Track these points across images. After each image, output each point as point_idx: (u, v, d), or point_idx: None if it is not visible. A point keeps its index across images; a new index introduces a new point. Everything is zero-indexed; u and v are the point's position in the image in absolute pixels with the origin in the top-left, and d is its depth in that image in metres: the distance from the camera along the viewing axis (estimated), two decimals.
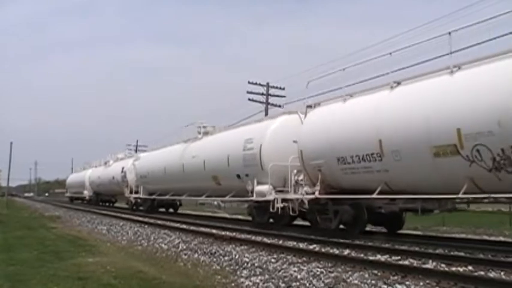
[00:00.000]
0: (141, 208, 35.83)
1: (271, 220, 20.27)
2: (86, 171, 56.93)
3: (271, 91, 44.37)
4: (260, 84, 45.20)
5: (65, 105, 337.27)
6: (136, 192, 35.74)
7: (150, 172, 33.46)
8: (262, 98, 44.18)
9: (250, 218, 22.48)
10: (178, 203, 36.94)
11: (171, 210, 37.19)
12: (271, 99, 43.74)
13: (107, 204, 52.52)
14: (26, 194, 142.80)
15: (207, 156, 24.76)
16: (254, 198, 19.98)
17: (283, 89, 44.42)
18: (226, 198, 23.66)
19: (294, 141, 17.69)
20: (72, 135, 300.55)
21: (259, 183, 19.84)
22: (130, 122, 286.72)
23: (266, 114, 39.07)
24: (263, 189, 19.36)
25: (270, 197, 18.75)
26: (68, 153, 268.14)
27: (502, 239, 16.93)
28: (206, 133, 27.06)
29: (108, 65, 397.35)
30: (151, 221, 25.39)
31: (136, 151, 69.62)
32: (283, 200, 18.34)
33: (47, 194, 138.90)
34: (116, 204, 50.93)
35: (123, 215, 31.11)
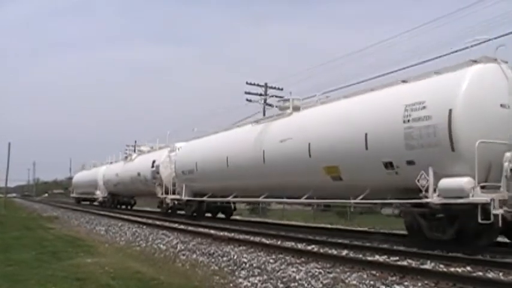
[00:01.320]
0: (180, 212, 29.05)
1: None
2: (99, 169, 50.68)
3: (270, 91, 44.38)
4: (258, 85, 45.27)
5: (64, 105, 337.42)
6: (174, 193, 28.85)
7: (199, 166, 25.28)
8: (261, 99, 44.18)
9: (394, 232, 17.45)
10: (233, 206, 28.54)
11: (221, 215, 29.02)
12: (269, 100, 43.71)
13: (124, 207, 45.65)
14: (26, 193, 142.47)
15: (313, 136, 16.82)
16: (435, 200, 12.21)
17: (282, 89, 44.44)
18: (358, 200, 14.95)
19: (502, 106, 12.54)
20: (70, 136, 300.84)
21: (444, 174, 12.16)
22: (129, 122, 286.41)
23: (264, 114, 39.01)
24: (460, 184, 11.65)
25: (478, 198, 11.43)
26: (66, 153, 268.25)
27: (499, 239, 16.88)
28: (297, 108, 19.38)
29: (108, 65, 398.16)
30: (150, 221, 25.35)
31: (134, 151, 67.53)
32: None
33: (46, 195, 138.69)
34: (137, 207, 45.64)
35: (122, 216, 31.02)
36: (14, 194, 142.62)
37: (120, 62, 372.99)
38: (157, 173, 31.29)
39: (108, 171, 45.77)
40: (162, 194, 30.73)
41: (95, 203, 49.95)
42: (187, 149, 28.57)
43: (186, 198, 27.07)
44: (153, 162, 32.77)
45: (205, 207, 27.07)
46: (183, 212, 28.53)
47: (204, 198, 25.53)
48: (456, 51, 13.04)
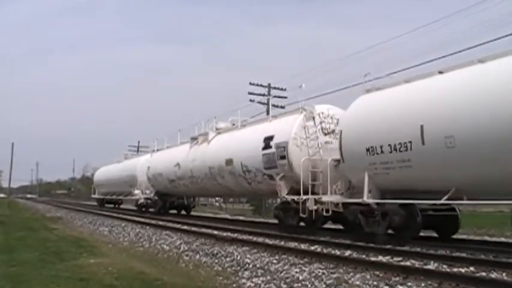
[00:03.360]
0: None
1: None
2: (138, 159, 39.47)
3: (273, 92, 44.42)
4: (261, 85, 45.33)
5: (66, 105, 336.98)
6: (313, 192, 18.07)
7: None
8: (264, 99, 44.25)
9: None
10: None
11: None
12: (272, 100, 43.74)
13: (181, 211, 34.70)
14: (29, 196, 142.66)
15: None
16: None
17: (285, 89, 44.49)
18: None
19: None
20: (73, 136, 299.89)
21: None
22: (131, 122, 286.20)
23: (268, 114, 39.10)
24: None
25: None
26: (69, 154, 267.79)
27: (503, 239, 16.92)
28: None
29: (109, 65, 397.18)
30: (153, 222, 25.40)
31: (138, 151, 67.32)
32: None
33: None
34: (195, 212, 36.62)
35: (126, 216, 31.05)
36: (19, 195, 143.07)
37: (121, 62, 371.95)
38: (283, 157, 18.28)
39: (156, 161, 32.84)
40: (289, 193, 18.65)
41: (133, 207, 40.00)
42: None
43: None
44: (269, 139, 19.28)
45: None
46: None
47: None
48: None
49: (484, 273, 9.48)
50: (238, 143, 22.22)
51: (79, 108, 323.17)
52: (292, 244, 14.79)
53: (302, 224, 18.29)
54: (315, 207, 16.75)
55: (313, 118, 18.24)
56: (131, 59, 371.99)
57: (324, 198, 16.56)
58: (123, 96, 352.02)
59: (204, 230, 20.02)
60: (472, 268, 9.94)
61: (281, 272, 10.74)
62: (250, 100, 44.77)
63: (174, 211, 34.29)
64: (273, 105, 42.83)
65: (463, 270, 9.82)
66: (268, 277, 10.46)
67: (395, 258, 11.51)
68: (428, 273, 9.40)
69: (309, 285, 9.50)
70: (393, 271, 9.83)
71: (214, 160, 23.51)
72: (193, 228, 20.79)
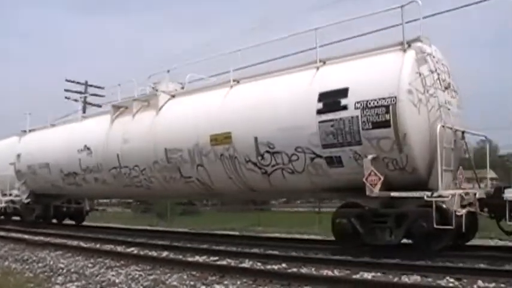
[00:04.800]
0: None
1: None
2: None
3: (90, 90, 43.08)
4: (78, 83, 43.81)
5: None
6: None
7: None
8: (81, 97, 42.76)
9: None
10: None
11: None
12: (90, 99, 42.30)
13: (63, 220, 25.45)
14: None
15: None
16: None
17: (103, 88, 43.29)
18: None
19: None
20: None
21: None
22: None
23: (84, 112, 37.80)
24: None
25: None
26: None
27: (312, 237, 17.92)
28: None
29: None
30: None
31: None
32: None
33: None
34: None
35: None
36: None
37: None
38: (383, 124, 11.05)
39: (35, 146, 22.18)
40: None
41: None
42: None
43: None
44: (335, 94, 11.79)
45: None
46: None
47: None
48: None
49: (295, 269, 9.96)
50: (246, 108, 13.60)
51: None
52: (108, 247, 14.46)
53: (406, 241, 11.43)
54: (463, 211, 10.42)
55: (426, 62, 11.51)
56: None
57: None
58: None
59: (13, 234, 18.84)
60: (284, 264, 10.40)
61: (97, 276, 10.42)
62: (66, 98, 42.97)
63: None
64: (90, 104, 41.56)
65: (276, 267, 10.23)
66: (84, 281, 10.09)
67: (211, 258, 11.68)
68: (244, 271, 9.67)
69: None
70: (210, 270, 9.95)
71: (182, 138, 14.88)
72: (1, 233, 19.46)
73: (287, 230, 21.20)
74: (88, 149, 18.42)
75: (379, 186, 10.90)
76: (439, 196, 10.28)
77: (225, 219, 27.81)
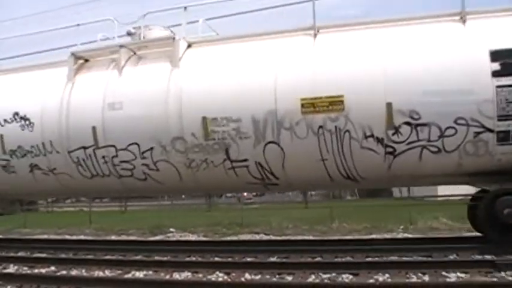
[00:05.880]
0: None
1: None
2: None
3: None
4: None
5: None
6: None
7: None
8: None
9: None
10: None
11: None
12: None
13: None
14: None
15: None
16: None
17: None
18: None
19: None
20: None
21: None
22: None
23: None
24: None
25: None
26: None
27: (82, 237, 17.52)
28: None
29: None
30: None
31: None
32: None
33: None
34: None
35: None
36: None
37: None
38: None
39: None
40: None
41: None
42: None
43: None
44: None
45: None
46: None
47: None
48: None
49: (64, 272, 9.73)
50: (370, 60, 9.79)
51: None
52: None
53: None
54: None
55: None
56: None
57: None
58: None
59: None
60: (53, 267, 10.09)
61: None
62: None
63: None
64: None
65: (44, 271, 9.91)
66: None
67: None
68: (9, 277, 9.16)
69: None
70: None
71: (239, 102, 10.26)
72: None
73: (55, 231, 20.45)
74: (24, 119, 12.10)
75: None
76: None
77: None
